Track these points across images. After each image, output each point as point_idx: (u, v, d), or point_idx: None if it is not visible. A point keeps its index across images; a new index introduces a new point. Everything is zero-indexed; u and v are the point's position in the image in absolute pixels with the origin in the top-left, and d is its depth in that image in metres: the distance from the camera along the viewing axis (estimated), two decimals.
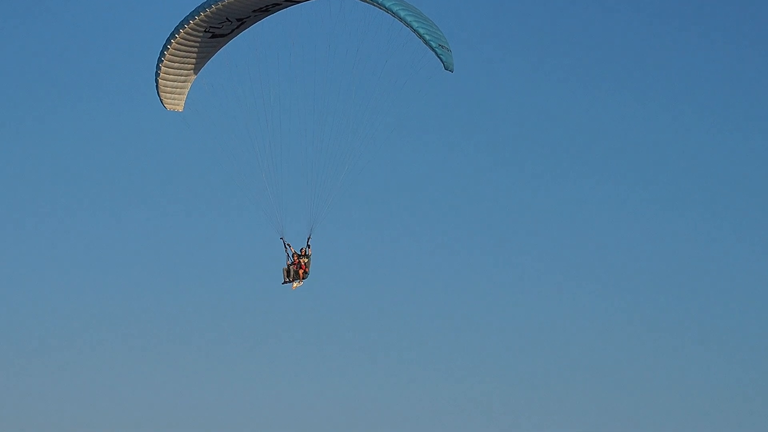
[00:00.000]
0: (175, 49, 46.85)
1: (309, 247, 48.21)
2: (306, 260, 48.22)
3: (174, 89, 48.13)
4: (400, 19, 44.17)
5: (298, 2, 46.14)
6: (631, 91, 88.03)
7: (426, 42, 44.15)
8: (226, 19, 46.26)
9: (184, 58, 47.40)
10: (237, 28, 47.10)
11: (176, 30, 46.42)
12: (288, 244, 48.27)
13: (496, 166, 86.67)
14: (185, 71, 47.89)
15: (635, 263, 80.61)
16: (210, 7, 45.42)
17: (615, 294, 78.63)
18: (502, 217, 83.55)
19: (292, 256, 48.24)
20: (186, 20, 46.00)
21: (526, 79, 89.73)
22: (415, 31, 44.13)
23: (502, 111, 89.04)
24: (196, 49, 47.28)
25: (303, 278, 48.25)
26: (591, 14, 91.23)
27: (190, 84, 48.37)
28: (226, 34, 47.29)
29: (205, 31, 46.60)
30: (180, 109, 48.63)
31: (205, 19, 45.80)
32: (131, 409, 70.50)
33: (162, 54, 47.03)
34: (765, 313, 77.27)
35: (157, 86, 47.74)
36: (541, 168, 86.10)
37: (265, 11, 46.44)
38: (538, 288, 79.24)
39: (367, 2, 44.32)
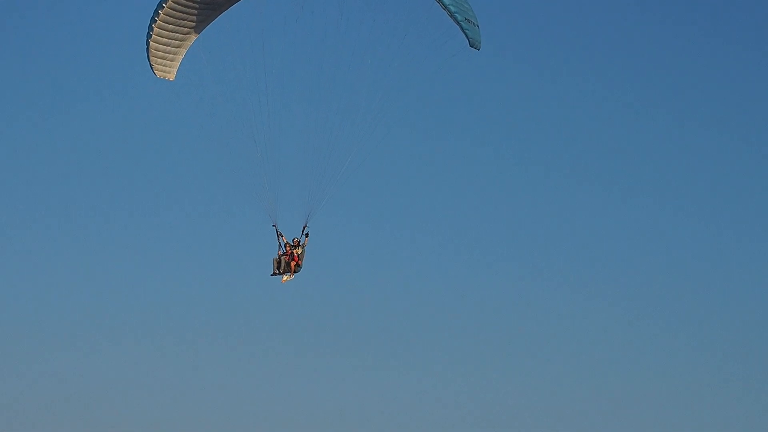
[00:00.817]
0: (171, 8, 43.25)
1: (306, 236, 43.88)
2: (300, 251, 43.83)
3: (166, 55, 44.92)
4: None
5: None
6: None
7: (451, 14, 40.92)
8: None
9: (180, 20, 44.25)
10: None
11: None
12: (280, 233, 43.98)
13: (504, 159, 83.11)
14: (180, 35, 44.46)
15: (634, 264, 77.27)
16: None
17: (615, 296, 75.31)
18: (504, 214, 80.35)
19: (285, 246, 43.84)
20: None
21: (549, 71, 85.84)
22: (439, 1, 40.32)
23: (520, 101, 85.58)
24: (194, 12, 43.98)
25: (295, 271, 43.99)
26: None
27: (184, 50, 45.24)
28: None
29: None
30: (171, 77, 45.45)
31: None
32: (116, 407, 66.40)
33: (156, 13, 44.13)
34: (765, 312, 73.88)
35: (147, 50, 44.40)
36: (546, 167, 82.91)
37: None
38: (537, 285, 76.31)
39: None
